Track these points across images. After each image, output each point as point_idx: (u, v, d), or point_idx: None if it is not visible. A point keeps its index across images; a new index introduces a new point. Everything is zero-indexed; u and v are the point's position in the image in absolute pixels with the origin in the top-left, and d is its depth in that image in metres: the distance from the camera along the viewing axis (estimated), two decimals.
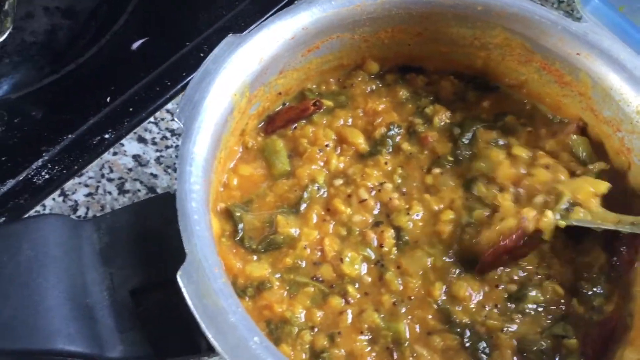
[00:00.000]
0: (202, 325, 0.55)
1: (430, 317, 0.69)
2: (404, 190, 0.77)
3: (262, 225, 0.73)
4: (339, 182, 0.77)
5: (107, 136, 0.95)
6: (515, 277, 0.72)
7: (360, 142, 0.79)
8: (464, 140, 0.80)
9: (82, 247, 0.62)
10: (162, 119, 0.98)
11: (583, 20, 0.96)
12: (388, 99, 0.83)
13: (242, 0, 1.11)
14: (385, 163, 0.78)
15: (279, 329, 0.68)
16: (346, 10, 0.76)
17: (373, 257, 0.72)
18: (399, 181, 0.77)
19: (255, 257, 0.71)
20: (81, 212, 0.90)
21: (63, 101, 1.00)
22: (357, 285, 0.71)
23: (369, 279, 0.71)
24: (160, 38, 1.07)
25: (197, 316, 0.55)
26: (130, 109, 0.98)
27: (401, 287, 0.71)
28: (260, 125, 0.81)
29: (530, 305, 0.70)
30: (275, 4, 1.08)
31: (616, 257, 0.72)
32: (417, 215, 0.75)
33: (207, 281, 0.57)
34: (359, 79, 0.84)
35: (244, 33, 0.73)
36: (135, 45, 1.06)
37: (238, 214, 0.73)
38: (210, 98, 0.67)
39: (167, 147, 0.96)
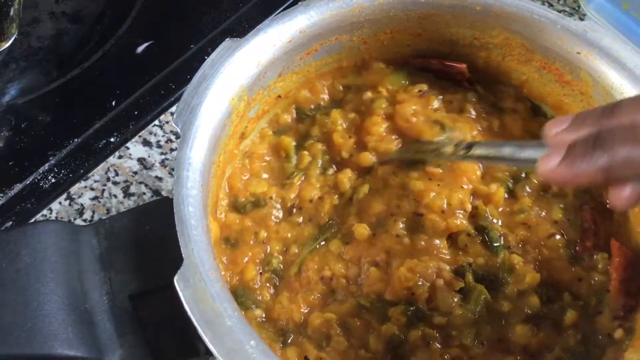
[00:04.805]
0: (199, 329, 0.55)
1: None
2: None
3: None
4: None
5: (112, 140, 0.96)
6: None
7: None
8: None
9: (80, 252, 0.62)
10: (167, 122, 0.98)
11: (587, 18, 0.95)
12: None
13: (246, 3, 1.11)
14: None
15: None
16: (344, 12, 0.76)
17: None
18: None
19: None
20: (87, 215, 0.91)
21: (69, 105, 1.01)
22: None
23: None
24: (164, 41, 1.08)
25: (194, 320, 0.56)
26: (135, 112, 0.99)
27: None
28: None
29: None
30: (278, 6, 1.08)
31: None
32: None
33: (204, 286, 0.57)
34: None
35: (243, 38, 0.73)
36: (139, 49, 1.07)
37: None
38: (208, 102, 0.68)
39: (171, 150, 0.96)
